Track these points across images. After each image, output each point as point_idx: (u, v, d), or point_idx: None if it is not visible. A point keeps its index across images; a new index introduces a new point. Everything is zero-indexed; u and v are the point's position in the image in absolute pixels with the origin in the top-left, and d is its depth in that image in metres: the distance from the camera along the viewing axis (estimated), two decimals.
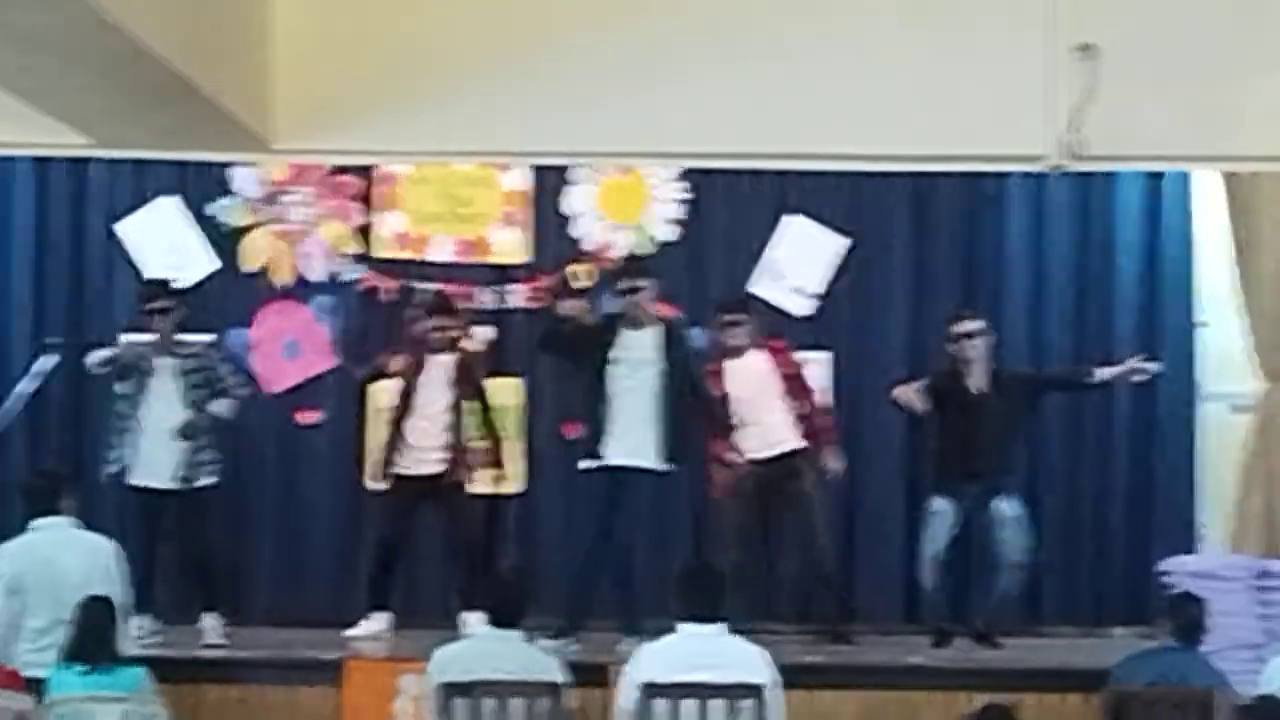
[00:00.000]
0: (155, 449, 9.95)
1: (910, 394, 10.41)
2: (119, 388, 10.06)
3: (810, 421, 10.30)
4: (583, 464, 10.11)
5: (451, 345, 10.38)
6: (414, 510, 10.37)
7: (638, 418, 9.89)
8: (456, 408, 10.24)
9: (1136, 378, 10.51)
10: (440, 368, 10.29)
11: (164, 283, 10.39)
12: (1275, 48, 7.65)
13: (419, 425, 10.23)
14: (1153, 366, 10.49)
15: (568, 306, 10.04)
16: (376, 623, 10.22)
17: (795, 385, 10.32)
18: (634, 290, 10.01)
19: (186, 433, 9.89)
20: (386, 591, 10.34)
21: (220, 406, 10.07)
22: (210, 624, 9.94)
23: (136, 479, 10.00)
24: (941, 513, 10.29)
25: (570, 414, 10.91)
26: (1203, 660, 8.35)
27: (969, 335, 10.28)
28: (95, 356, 10.14)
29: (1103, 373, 10.49)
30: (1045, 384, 10.85)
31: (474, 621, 8.74)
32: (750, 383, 10.27)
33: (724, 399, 10.24)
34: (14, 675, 7.96)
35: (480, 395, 10.40)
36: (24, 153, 10.44)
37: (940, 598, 10.44)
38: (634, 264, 10.63)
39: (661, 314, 10.27)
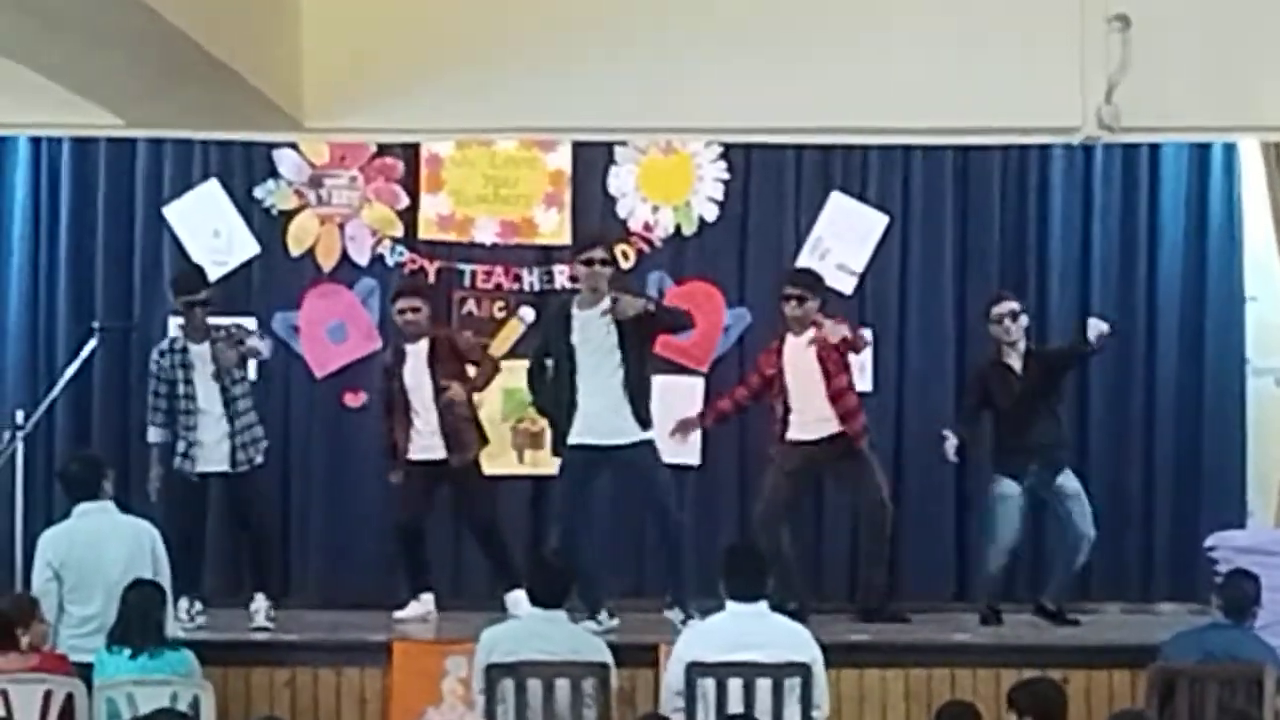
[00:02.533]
0: (210, 433, 9.97)
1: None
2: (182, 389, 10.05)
3: (840, 404, 10.12)
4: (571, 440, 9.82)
5: (426, 330, 10.28)
6: (428, 495, 10.34)
7: (606, 399, 9.62)
8: (442, 392, 10.09)
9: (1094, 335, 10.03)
10: (417, 355, 10.21)
11: (200, 272, 10.41)
12: None
13: (417, 416, 10.18)
14: (1104, 326, 10.01)
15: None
16: (423, 604, 10.24)
17: (828, 366, 10.10)
18: (604, 263, 9.80)
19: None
20: (423, 573, 10.34)
21: (254, 341, 10.07)
22: (259, 606, 9.96)
23: (200, 467, 9.98)
24: (1010, 496, 10.23)
25: None
26: (1253, 637, 8.32)
27: (1013, 316, 10.24)
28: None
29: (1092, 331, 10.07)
30: (1063, 359, 10.62)
31: (522, 602, 8.72)
32: (800, 363, 10.18)
33: (778, 376, 10.17)
34: (62, 659, 8.02)
35: (463, 375, 10.25)
36: (54, 133, 10.47)
37: (993, 576, 10.41)
38: (601, 238, 10.38)
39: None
